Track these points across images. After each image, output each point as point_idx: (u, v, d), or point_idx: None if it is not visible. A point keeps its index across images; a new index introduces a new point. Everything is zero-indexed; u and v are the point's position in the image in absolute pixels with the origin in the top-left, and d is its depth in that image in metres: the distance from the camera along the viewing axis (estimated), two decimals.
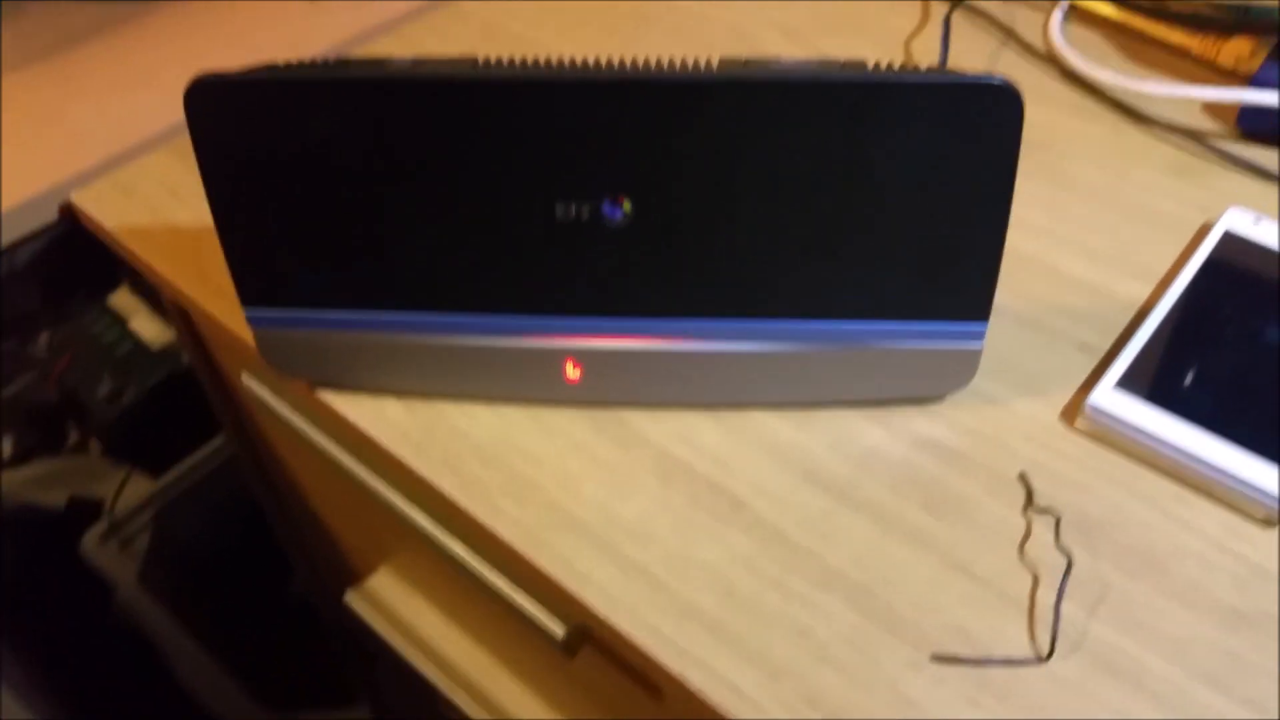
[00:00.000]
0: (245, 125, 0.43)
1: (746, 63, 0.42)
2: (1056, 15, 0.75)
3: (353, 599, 0.82)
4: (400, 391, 0.52)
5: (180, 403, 1.27)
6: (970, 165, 0.43)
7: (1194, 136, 0.65)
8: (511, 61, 0.43)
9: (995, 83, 0.41)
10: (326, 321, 0.49)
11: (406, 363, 0.50)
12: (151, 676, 1.28)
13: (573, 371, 0.50)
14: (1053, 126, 0.67)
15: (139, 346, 1.28)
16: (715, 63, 0.42)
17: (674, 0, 0.79)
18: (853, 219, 0.44)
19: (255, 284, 0.49)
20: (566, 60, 0.43)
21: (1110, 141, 0.66)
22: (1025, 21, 0.76)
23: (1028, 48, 0.73)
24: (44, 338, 1.28)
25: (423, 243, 0.46)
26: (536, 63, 0.43)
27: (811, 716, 0.41)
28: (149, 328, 1.31)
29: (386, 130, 0.43)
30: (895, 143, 0.42)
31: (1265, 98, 0.62)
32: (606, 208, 0.45)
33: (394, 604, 0.82)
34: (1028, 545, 0.46)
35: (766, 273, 0.46)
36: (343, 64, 0.43)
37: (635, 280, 0.47)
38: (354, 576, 0.84)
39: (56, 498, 1.32)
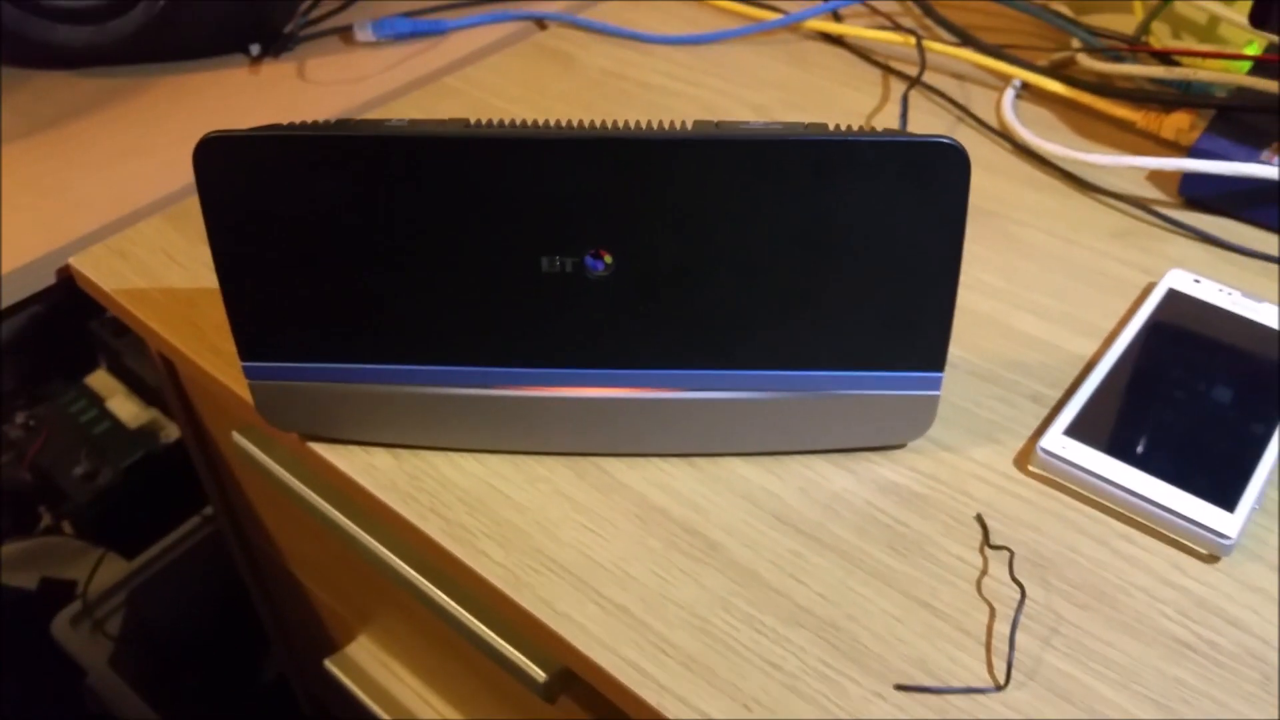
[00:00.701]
0: (249, 180, 0.46)
1: (719, 124, 0.46)
2: (1009, 93, 0.79)
3: (332, 665, 0.83)
4: (390, 442, 0.55)
5: (157, 483, 1.27)
6: (923, 220, 0.46)
7: (1138, 204, 0.69)
8: (501, 122, 0.46)
9: (945, 141, 0.44)
10: (321, 373, 0.52)
11: (396, 413, 0.53)
12: None
13: (557, 422, 0.53)
14: (1005, 196, 0.71)
15: (116, 425, 1.29)
16: (689, 124, 0.46)
17: (649, 81, 0.83)
18: (817, 272, 0.48)
19: (254, 337, 0.51)
20: (552, 122, 0.46)
21: (1059, 209, 0.70)
22: (979, 98, 0.80)
23: (982, 123, 0.78)
24: (19, 419, 1.29)
25: (416, 296, 0.49)
26: (524, 124, 0.46)
27: None
28: (126, 408, 1.32)
29: (383, 185, 0.46)
30: (854, 197, 0.45)
31: (1205, 166, 0.66)
32: (589, 260, 0.48)
33: (373, 670, 0.83)
34: (984, 581, 0.48)
35: (737, 323, 0.49)
36: (342, 123, 0.46)
37: (615, 332, 0.50)
38: (333, 648, 0.86)
39: (28, 579, 1.32)
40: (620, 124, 0.46)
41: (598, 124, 0.46)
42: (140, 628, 1.31)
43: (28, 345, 1.36)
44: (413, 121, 0.47)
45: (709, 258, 0.47)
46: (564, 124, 0.46)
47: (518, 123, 0.47)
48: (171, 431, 1.30)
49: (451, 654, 0.71)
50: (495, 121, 0.47)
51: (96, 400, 1.33)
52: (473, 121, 0.46)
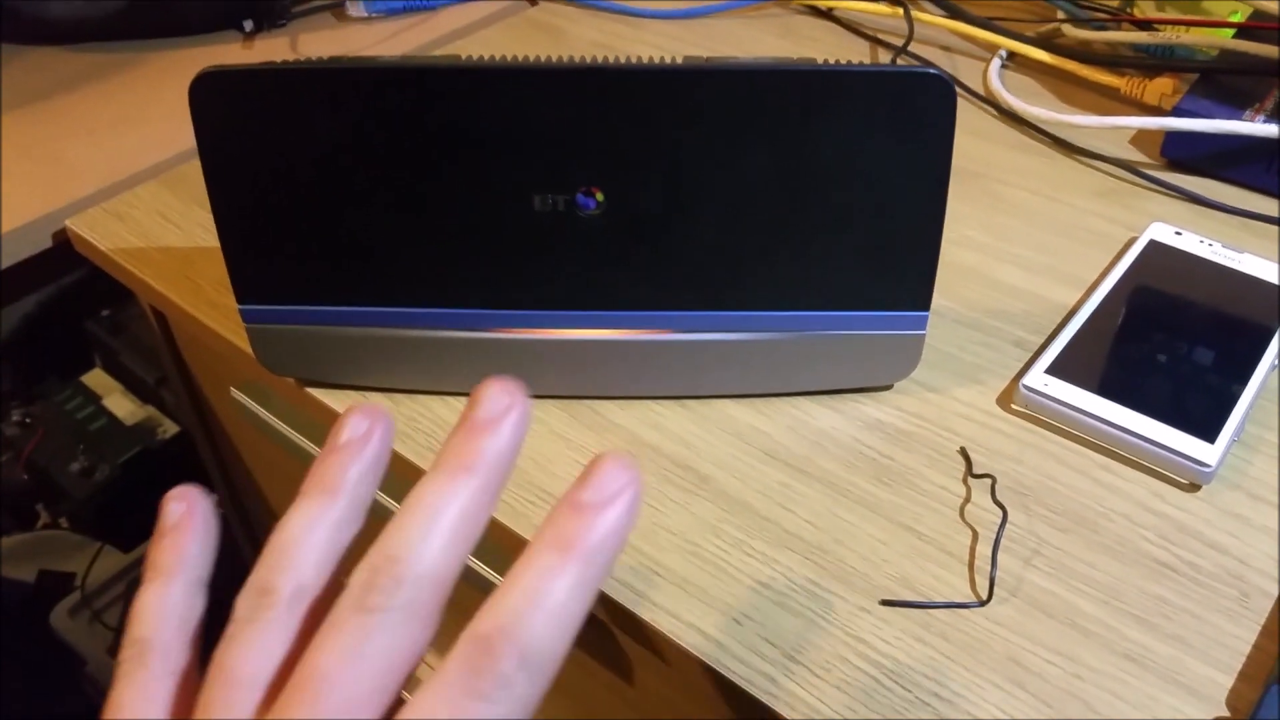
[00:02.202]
0: (245, 116, 0.47)
1: (708, 59, 0.47)
2: (995, 62, 0.81)
3: None
4: (385, 386, 0.56)
5: (154, 478, 1.28)
6: (909, 154, 0.47)
7: (1122, 165, 0.71)
8: (494, 58, 0.47)
9: (930, 72, 0.45)
10: (317, 315, 0.53)
11: (392, 356, 0.54)
12: None
13: (551, 364, 0.54)
14: (990, 159, 0.72)
15: (113, 422, 1.29)
16: (680, 59, 0.47)
17: (639, 55, 0.84)
18: (804, 208, 0.49)
19: (250, 279, 0.52)
20: (541, 56, 0.47)
21: (1044, 170, 0.71)
22: (966, 68, 0.82)
23: (968, 90, 0.79)
24: (14, 417, 1.29)
25: (410, 236, 0.50)
26: (516, 58, 0.47)
27: (769, 653, 0.44)
28: (123, 406, 1.32)
29: (377, 119, 0.47)
30: (841, 130, 0.46)
31: (1188, 124, 0.67)
32: (581, 198, 0.49)
33: None
34: (967, 508, 0.49)
35: (726, 263, 0.50)
36: (336, 59, 0.47)
37: (607, 272, 0.51)
38: None
39: (26, 572, 1.32)
40: (609, 59, 0.47)
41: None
42: None
43: (23, 344, 1.36)
44: (404, 57, 0.48)
45: (699, 194, 0.49)
46: (556, 59, 0.47)
47: (509, 55, 0.48)
48: (169, 428, 1.31)
49: (452, 607, 0.72)
50: (488, 57, 0.48)
51: (93, 398, 1.33)
52: (464, 56, 0.47)
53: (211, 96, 0.47)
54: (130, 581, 1.31)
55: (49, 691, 1.29)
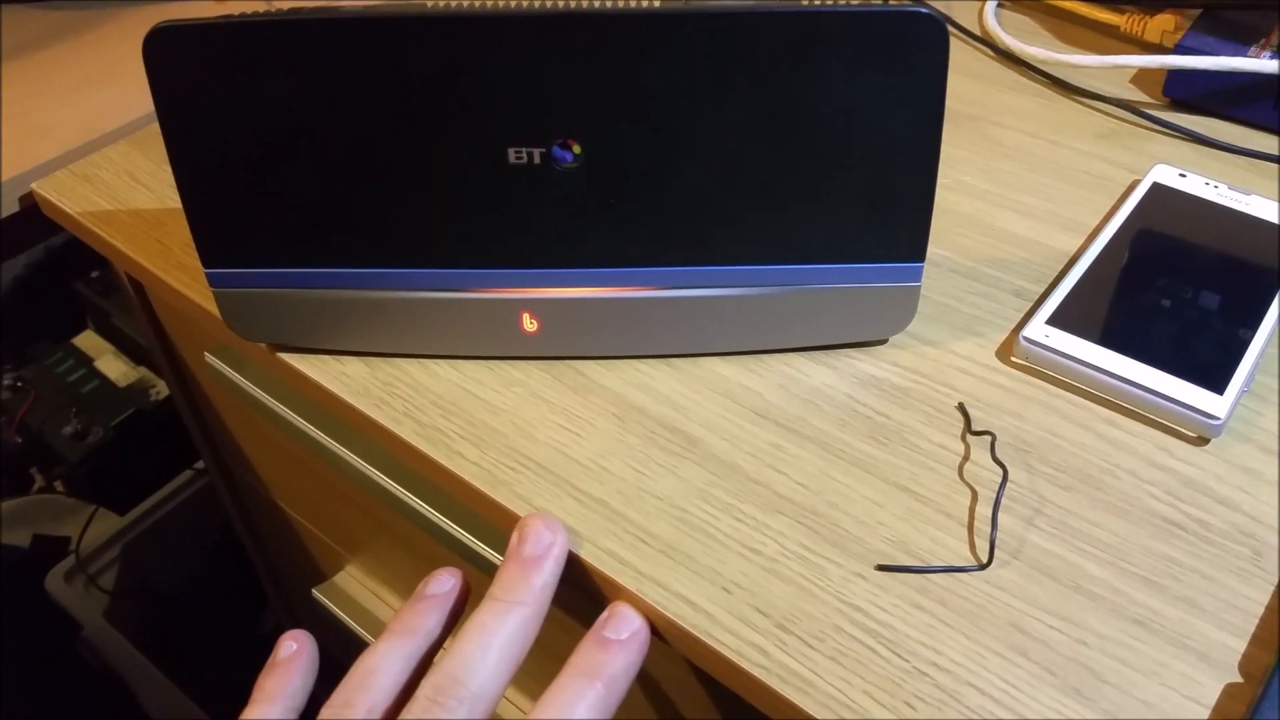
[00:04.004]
0: (202, 72, 0.45)
1: (687, 2, 0.44)
2: (990, 2, 0.78)
3: (320, 594, 0.83)
4: (360, 350, 0.54)
5: (147, 440, 1.27)
6: (900, 97, 0.45)
7: (1123, 105, 0.68)
8: (460, 3, 0.45)
9: (921, 10, 0.43)
10: (286, 278, 0.51)
11: (365, 319, 0.52)
12: (119, 716, 1.26)
13: (530, 324, 0.52)
14: (987, 100, 0.69)
15: (105, 384, 1.28)
16: (658, 1, 0.44)
17: None
18: (791, 157, 0.46)
19: (215, 242, 0.50)
20: (512, 1, 0.45)
21: (1042, 112, 0.68)
22: (961, 7, 0.79)
23: (964, 30, 0.76)
24: (6, 381, 1.28)
25: (381, 194, 0.48)
26: (484, 3, 0.44)
27: (760, 623, 0.42)
28: (115, 367, 1.31)
29: (340, 72, 0.45)
30: (828, 74, 0.44)
31: (1190, 61, 0.64)
32: (557, 151, 0.46)
33: (361, 597, 0.83)
34: (966, 466, 0.47)
35: (711, 215, 0.48)
36: (295, 10, 0.44)
37: (587, 228, 0.48)
38: (322, 580, 0.85)
39: (20, 536, 1.31)
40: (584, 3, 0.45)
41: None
42: (135, 581, 1.31)
43: (13, 307, 1.35)
44: (368, 5, 0.45)
45: (680, 145, 0.46)
46: (527, 4, 0.45)
47: (477, 5, 0.45)
48: (161, 389, 1.30)
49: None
50: (455, 3, 0.45)
51: (85, 360, 1.32)
52: (430, 3, 0.45)
53: (167, 54, 0.45)
54: (125, 544, 1.31)
55: (45, 657, 1.29)
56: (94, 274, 1.34)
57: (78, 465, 1.24)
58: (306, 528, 0.87)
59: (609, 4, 0.44)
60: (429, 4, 0.45)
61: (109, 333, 1.35)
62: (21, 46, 0.78)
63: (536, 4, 0.44)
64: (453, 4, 0.45)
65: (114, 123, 0.71)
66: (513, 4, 0.44)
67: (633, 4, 0.44)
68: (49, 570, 1.29)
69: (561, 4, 0.44)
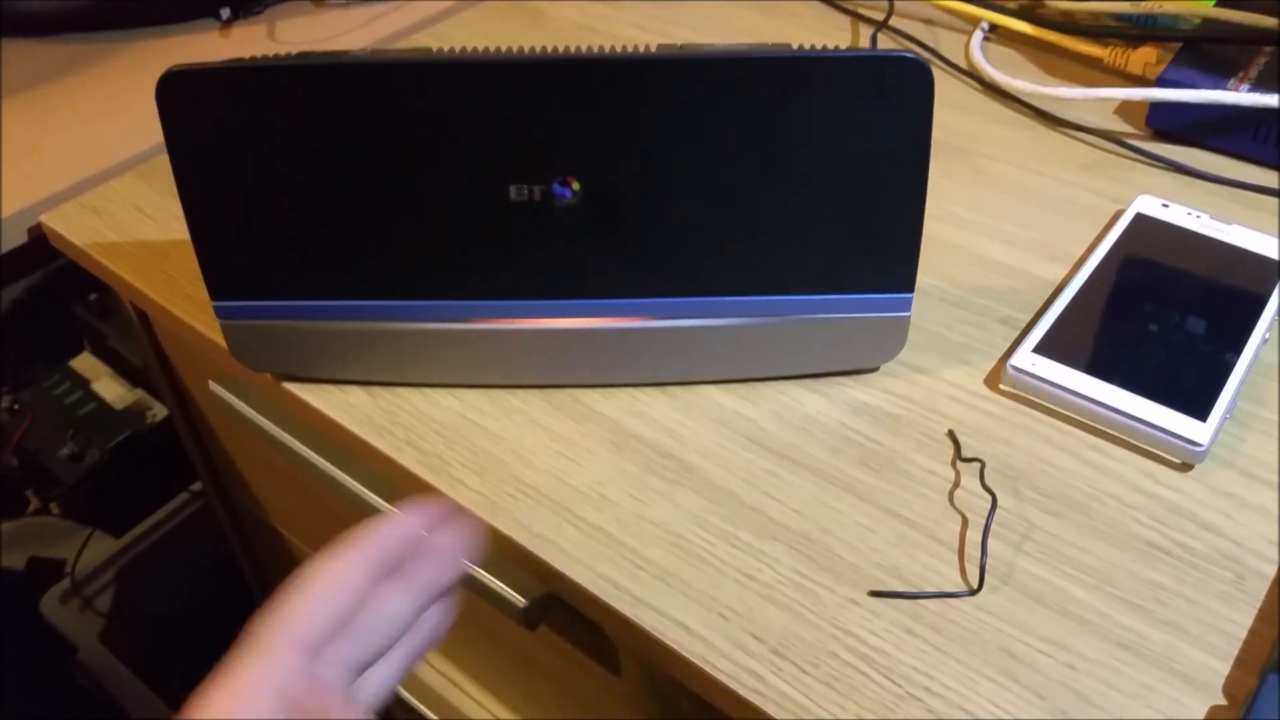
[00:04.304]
0: (213, 114, 0.46)
1: (682, 46, 0.46)
2: (977, 35, 0.79)
3: None
4: (363, 379, 0.55)
5: (144, 462, 1.27)
6: (888, 137, 0.46)
7: (1107, 137, 0.70)
8: (465, 49, 0.46)
9: (906, 56, 0.44)
10: (292, 311, 0.52)
11: (370, 350, 0.53)
12: None
13: (530, 354, 0.53)
14: (974, 133, 0.71)
15: (102, 406, 1.28)
16: (654, 47, 0.46)
17: (620, 34, 0.83)
18: (784, 194, 0.48)
19: (223, 275, 0.51)
20: (513, 48, 0.46)
21: (1028, 144, 0.70)
22: (948, 41, 0.81)
23: (950, 64, 0.78)
24: (3, 404, 1.28)
25: (385, 230, 0.49)
26: (488, 49, 0.46)
27: (756, 649, 0.43)
28: (112, 390, 1.31)
29: (347, 115, 0.46)
30: (818, 115, 0.45)
31: (1172, 94, 0.66)
32: (557, 188, 0.48)
33: None
34: (956, 492, 0.49)
35: (706, 248, 0.49)
36: (304, 55, 0.46)
37: (585, 261, 0.50)
38: None
39: (16, 559, 1.31)
40: (584, 48, 0.46)
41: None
42: (130, 603, 1.31)
43: (11, 330, 1.35)
44: (374, 51, 0.47)
45: (676, 182, 0.48)
46: (529, 49, 0.46)
47: (479, 46, 0.47)
48: (158, 411, 1.30)
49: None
50: (459, 49, 0.47)
51: (81, 382, 1.32)
52: (434, 49, 0.46)
53: (178, 96, 0.46)
54: (121, 567, 1.31)
55: (40, 679, 1.29)
56: (92, 297, 1.34)
57: (74, 487, 1.24)
58: (305, 551, 0.88)
59: (607, 49, 0.45)
60: (434, 49, 0.46)
61: (106, 355, 1.35)
62: (27, 80, 0.80)
63: (538, 49, 0.46)
64: (457, 50, 0.46)
65: (120, 155, 0.72)
66: (514, 50, 0.46)
67: (630, 49, 0.46)
68: (45, 592, 1.29)
69: (562, 50, 0.45)
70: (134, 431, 1.27)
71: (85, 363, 1.36)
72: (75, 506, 1.30)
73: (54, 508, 1.34)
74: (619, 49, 0.46)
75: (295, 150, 0.47)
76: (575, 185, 0.48)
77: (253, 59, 0.46)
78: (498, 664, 0.72)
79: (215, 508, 0.97)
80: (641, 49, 0.46)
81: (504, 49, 0.46)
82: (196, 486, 1.32)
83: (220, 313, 0.52)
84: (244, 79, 0.45)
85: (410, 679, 0.77)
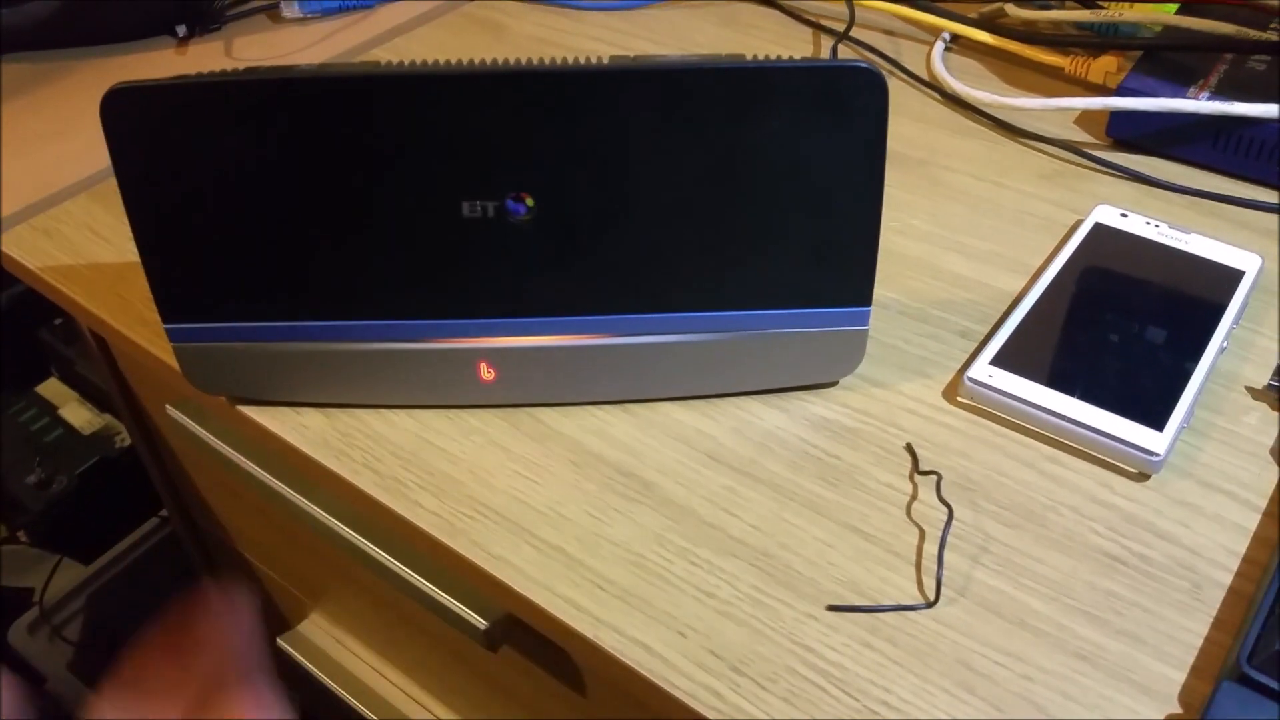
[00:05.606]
0: (159, 131, 0.46)
1: (635, 58, 0.46)
2: (938, 45, 0.80)
3: (285, 643, 0.83)
4: (318, 401, 0.54)
5: (112, 488, 1.26)
6: (843, 149, 0.46)
7: (1066, 147, 0.70)
8: (413, 62, 0.46)
9: (860, 66, 0.44)
10: (245, 332, 0.51)
11: (324, 371, 0.53)
12: None
13: (487, 373, 0.52)
14: (934, 144, 0.71)
15: (69, 432, 1.27)
16: (606, 59, 0.46)
17: (581, 48, 0.83)
18: (739, 207, 0.48)
19: (174, 298, 0.51)
20: (465, 60, 0.46)
21: (988, 155, 0.70)
22: (909, 52, 0.81)
23: (912, 75, 0.78)
24: None
25: (337, 249, 0.49)
26: (437, 62, 0.46)
27: (715, 666, 0.43)
28: (79, 415, 1.30)
29: (294, 131, 0.46)
30: (773, 127, 0.45)
31: (1131, 103, 0.66)
32: (510, 204, 0.47)
33: (326, 645, 0.83)
34: (913, 506, 0.49)
35: (662, 264, 0.49)
36: (251, 70, 0.45)
37: (541, 278, 0.49)
38: (287, 629, 0.85)
39: None
40: (536, 61, 0.46)
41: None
42: (100, 632, 1.30)
43: None
44: (322, 65, 0.46)
45: (631, 196, 0.47)
46: (479, 62, 0.46)
47: (429, 59, 0.46)
48: (126, 436, 1.29)
49: (399, 620, 0.71)
50: (407, 62, 0.46)
51: (48, 408, 1.31)
52: (384, 63, 0.46)
53: (123, 114, 0.46)
54: (90, 595, 1.30)
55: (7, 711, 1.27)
56: (57, 321, 1.33)
57: (41, 515, 1.23)
58: (270, 576, 0.87)
59: (561, 61, 0.45)
60: (381, 63, 0.46)
61: (73, 380, 1.34)
62: None
63: (489, 62, 0.45)
64: (405, 64, 0.46)
65: (73, 176, 0.71)
66: (464, 62, 0.46)
67: (591, 58, 0.46)
68: (12, 623, 1.28)
69: (512, 62, 0.45)
70: (102, 457, 1.26)
71: (52, 388, 1.35)
72: (43, 534, 1.29)
73: (21, 535, 1.33)
74: (571, 61, 0.45)
75: (242, 168, 0.47)
76: (529, 201, 0.48)
77: (198, 75, 0.45)
78: (462, 686, 0.71)
79: (180, 533, 0.96)
80: (594, 61, 0.46)
81: (454, 62, 0.46)
82: (166, 512, 1.31)
83: (172, 335, 0.52)
84: (189, 95, 0.45)
85: (376, 701, 0.77)
